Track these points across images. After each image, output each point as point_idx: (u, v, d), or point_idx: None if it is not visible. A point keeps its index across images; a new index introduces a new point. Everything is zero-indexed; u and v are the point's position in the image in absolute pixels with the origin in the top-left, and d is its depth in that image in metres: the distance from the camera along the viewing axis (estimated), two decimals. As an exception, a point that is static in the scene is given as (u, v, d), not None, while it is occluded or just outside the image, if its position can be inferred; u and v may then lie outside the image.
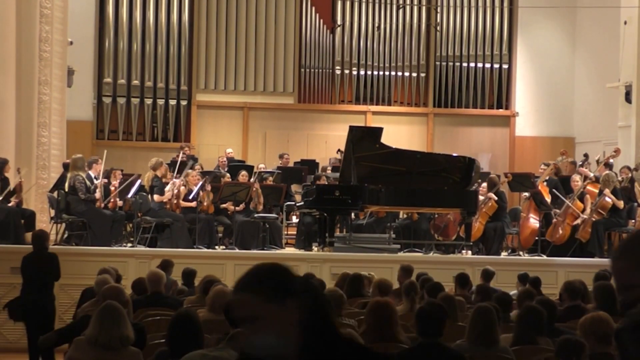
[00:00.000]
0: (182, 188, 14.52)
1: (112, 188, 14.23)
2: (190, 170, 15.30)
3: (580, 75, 21.05)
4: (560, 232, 14.64)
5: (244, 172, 15.65)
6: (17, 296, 10.25)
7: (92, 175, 14.09)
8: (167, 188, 14.31)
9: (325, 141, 19.22)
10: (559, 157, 16.70)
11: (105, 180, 14.21)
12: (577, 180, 14.82)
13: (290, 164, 17.73)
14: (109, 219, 13.84)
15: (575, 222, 14.47)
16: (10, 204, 13.27)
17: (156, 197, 14.30)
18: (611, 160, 16.02)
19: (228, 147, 18.43)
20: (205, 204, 14.47)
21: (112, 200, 13.99)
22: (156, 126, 20.03)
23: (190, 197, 14.50)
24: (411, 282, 8.73)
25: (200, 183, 14.59)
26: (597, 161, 16.01)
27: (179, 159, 15.78)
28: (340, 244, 13.84)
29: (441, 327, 5.30)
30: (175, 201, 14.31)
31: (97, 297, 7.40)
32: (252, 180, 15.22)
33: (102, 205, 13.81)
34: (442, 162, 14.47)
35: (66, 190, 13.64)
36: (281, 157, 18.09)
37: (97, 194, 13.74)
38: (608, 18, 18.95)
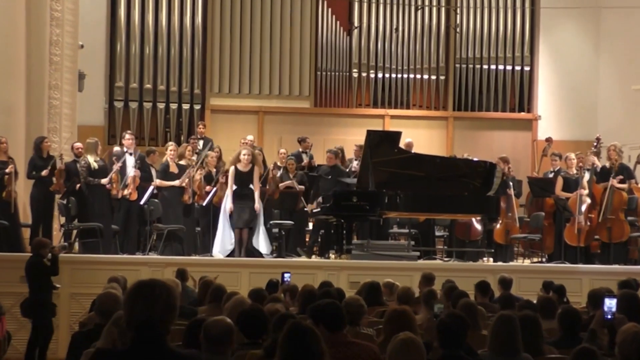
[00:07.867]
0: (198, 174, 14.33)
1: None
2: (209, 152, 15.20)
3: (604, 77, 20.71)
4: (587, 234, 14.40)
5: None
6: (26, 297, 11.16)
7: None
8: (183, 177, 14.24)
9: (343, 146, 18.92)
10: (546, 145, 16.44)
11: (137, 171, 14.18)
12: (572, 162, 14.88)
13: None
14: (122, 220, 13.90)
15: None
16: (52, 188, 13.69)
17: (157, 181, 14.19)
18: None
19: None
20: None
21: (130, 187, 13.96)
22: (169, 131, 19.86)
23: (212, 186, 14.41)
24: (430, 290, 8.57)
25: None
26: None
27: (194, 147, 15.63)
28: (358, 252, 13.59)
29: (462, 338, 5.28)
30: (190, 189, 14.11)
31: (94, 307, 7.00)
32: (271, 167, 15.05)
33: (118, 192, 13.86)
34: (462, 167, 14.33)
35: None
36: (302, 140, 17.53)
37: (105, 180, 13.76)
38: (633, 18, 18.74)
